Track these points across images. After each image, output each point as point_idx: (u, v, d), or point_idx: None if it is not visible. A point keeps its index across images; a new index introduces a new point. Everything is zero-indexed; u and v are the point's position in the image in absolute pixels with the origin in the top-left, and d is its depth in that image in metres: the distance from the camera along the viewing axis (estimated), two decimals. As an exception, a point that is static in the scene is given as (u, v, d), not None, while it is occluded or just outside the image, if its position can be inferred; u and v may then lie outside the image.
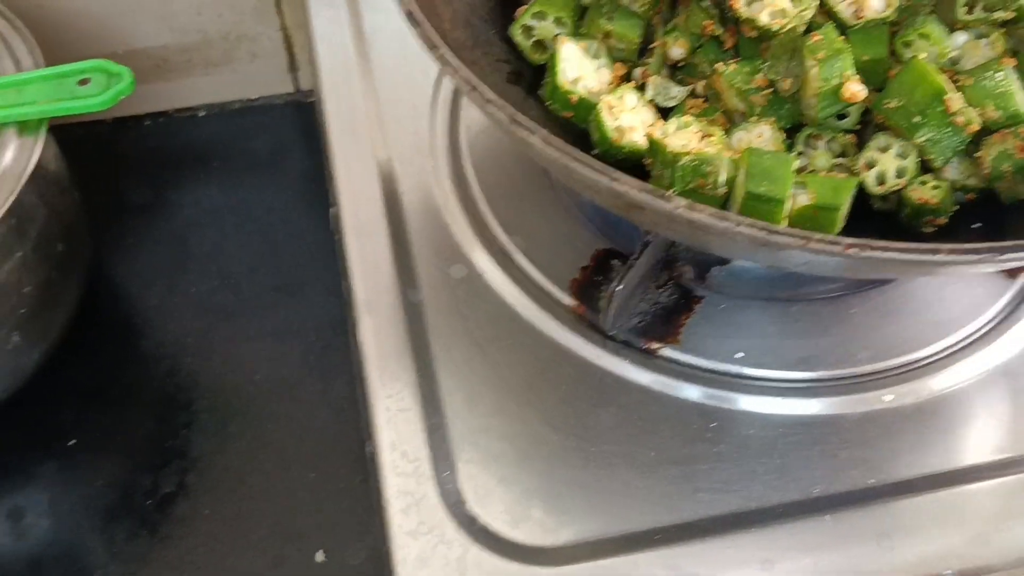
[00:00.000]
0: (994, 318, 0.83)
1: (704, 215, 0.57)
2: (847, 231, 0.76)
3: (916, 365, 0.80)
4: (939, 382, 0.80)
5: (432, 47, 0.64)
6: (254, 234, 1.37)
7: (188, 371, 1.24)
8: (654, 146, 0.74)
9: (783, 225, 0.71)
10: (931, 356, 0.81)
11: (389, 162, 0.93)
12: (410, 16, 0.66)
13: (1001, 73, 0.73)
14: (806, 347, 0.81)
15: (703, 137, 0.73)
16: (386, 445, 0.75)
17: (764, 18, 0.76)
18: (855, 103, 0.74)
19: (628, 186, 0.58)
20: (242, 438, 1.20)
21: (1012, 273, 0.86)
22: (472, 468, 0.75)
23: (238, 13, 1.36)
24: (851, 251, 0.55)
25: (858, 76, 0.74)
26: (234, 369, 1.27)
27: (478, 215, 0.89)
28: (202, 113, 1.48)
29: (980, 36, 0.77)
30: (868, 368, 0.80)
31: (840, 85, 0.73)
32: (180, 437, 1.18)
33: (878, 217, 0.77)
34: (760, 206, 0.71)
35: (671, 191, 0.72)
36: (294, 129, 1.41)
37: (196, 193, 1.41)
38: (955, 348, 0.81)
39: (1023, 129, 0.72)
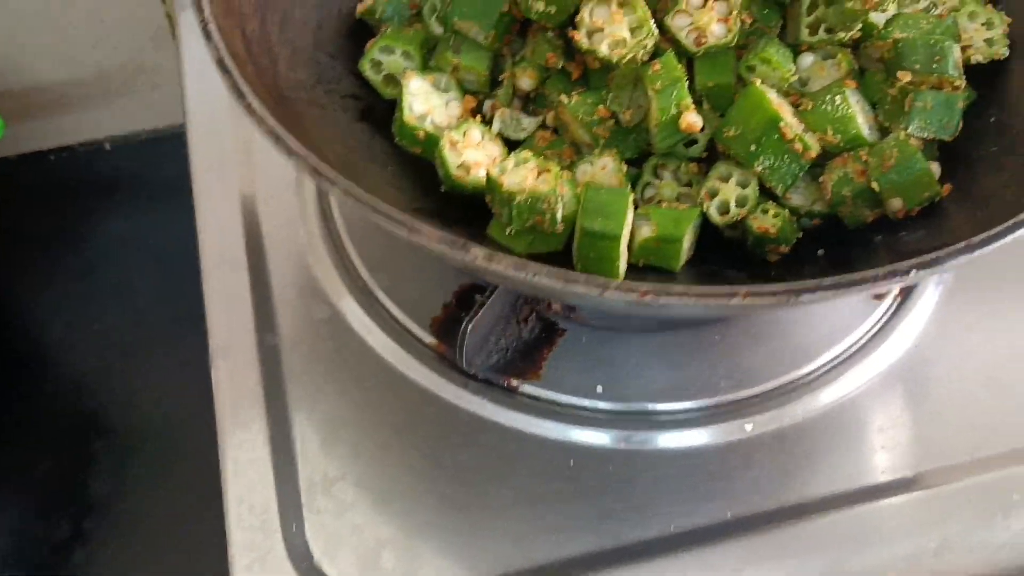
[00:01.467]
0: (855, 343, 0.82)
1: (501, 266, 0.56)
2: (699, 259, 0.75)
3: (776, 393, 0.79)
4: (798, 410, 0.79)
5: (238, 96, 0.63)
6: (159, 266, 1.35)
7: (89, 409, 1.23)
8: (491, 184, 0.73)
9: (622, 261, 0.70)
10: (791, 383, 0.80)
11: (253, 198, 0.92)
12: (220, 64, 0.64)
13: (840, 97, 0.72)
14: (667, 378, 0.80)
15: (540, 173, 0.72)
16: (233, 498, 0.74)
17: (604, 50, 0.74)
18: (692, 133, 0.73)
19: (427, 237, 0.57)
20: (143, 478, 1.19)
21: (878, 295, 0.84)
22: (324, 519, 0.74)
23: (135, 44, 1.34)
24: (647, 297, 0.54)
25: (694, 106, 0.72)
26: (136, 405, 1.26)
27: (343, 254, 0.88)
28: (107, 146, 1.47)
29: (826, 57, 0.76)
30: (729, 397, 0.79)
31: (678, 115, 0.72)
32: (77, 479, 1.16)
33: (732, 244, 0.76)
34: (596, 243, 0.70)
35: (507, 233, 0.72)
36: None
37: (101, 226, 1.40)
38: (816, 375, 0.80)
39: (864, 153, 0.71)
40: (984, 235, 0.56)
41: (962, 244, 0.56)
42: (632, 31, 0.74)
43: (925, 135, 0.72)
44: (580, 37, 0.75)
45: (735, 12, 0.74)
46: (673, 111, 0.72)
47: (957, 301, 0.85)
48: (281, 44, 0.77)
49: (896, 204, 0.70)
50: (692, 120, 0.72)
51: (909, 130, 0.71)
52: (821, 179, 0.73)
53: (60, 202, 1.44)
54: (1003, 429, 0.78)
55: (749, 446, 0.77)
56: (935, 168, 0.72)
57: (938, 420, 0.79)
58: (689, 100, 0.72)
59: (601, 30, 0.75)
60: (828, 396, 0.79)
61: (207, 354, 1.18)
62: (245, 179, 0.93)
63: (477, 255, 0.56)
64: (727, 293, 0.54)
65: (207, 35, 0.65)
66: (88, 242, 1.39)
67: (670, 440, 0.78)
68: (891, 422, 0.79)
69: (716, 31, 0.74)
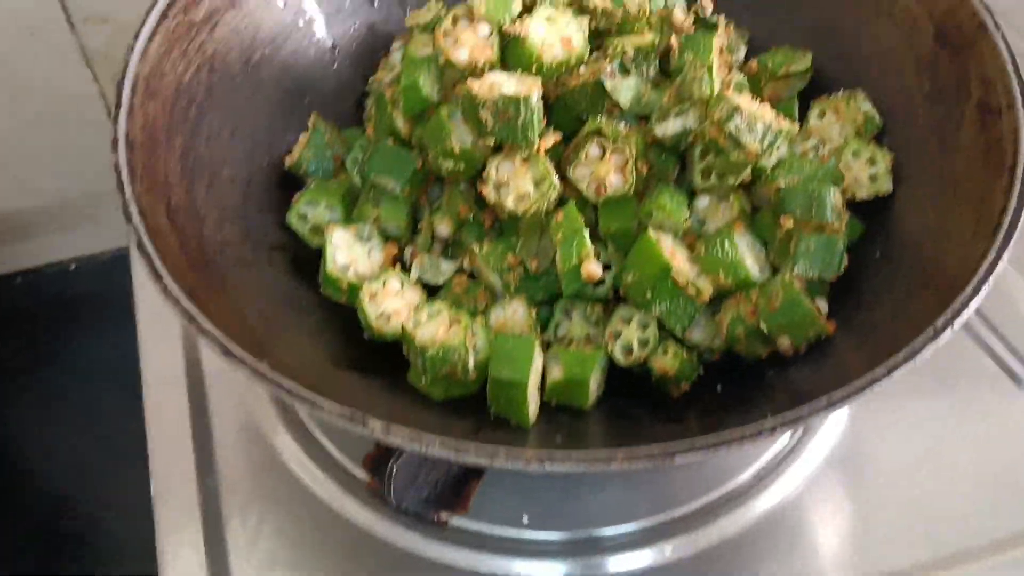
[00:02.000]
0: (765, 467, 0.85)
1: (398, 439, 0.59)
2: (609, 394, 0.78)
3: (692, 516, 0.82)
4: (714, 532, 0.82)
5: (155, 278, 0.67)
6: (126, 386, 1.36)
7: (59, 531, 1.23)
8: (405, 337, 0.77)
9: (531, 406, 0.74)
10: (705, 506, 0.83)
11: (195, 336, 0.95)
12: (139, 247, 0.68)
13: (728, 242, 0.76)
14: (589, 506, 0.83)
15: (451, 324, 0.76)
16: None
17: (510, 203, 0.79)
18: (593, 281, 0.77)
19: (327, 412, 0.61)
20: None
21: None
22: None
23: (97, 173, 1.37)
24: (532, 465, 0.58)
25: (594, 255, 0.77)
26: (106, 526, 1.26)
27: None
28: (73, 266, 1.49)
29: (721, 198, 0.81)
30: (649, 522, 0.82)
31: (580, 264, 0.76)
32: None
33: (639, 378, 0.80)
34: (505, 390, 0.73)
35: (423, 382, 0.75)
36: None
37: (69, 348, 1.41)
38: (728, 497, 0.83)
39: (754, 294, 0.75)
40: (842, 391, 0.60)
41: (823, 400, 0.60)
42: (536, 184, 0.79)
43: (810, 275, 0.76)
44: (488, 191, 0.80)
45: (630, 163, 0.79)
46: (575, 260, 0.76)
47: (871, 408, 0.89)
48: (208, 206, 0.81)
49: (784, 343, 0.74)
50: (592, 269, 0.76)
51: (795, 271, 0.76)
52: (717, 318, 0.77)
53: (29, 325, 1.46)
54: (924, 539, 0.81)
55: (671, 570, 0.80)
56: (822, 304, 0.77)
57: (863, 530, 0.82)
58: (589, 249, 0.76)
59: (507, 184, 0.79)
60: (740, 517, 0.82)
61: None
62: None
63: (375, 427, 0.60)
64: (605, 458, 0.57)
65: (127, 217, 0.70)
66: (56, 365, 1.41)
67: (592, 567, 0.81)
68: (812, 534, 0.82)
69: (614, 181, 0.79)
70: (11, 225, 1.43)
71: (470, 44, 0.81)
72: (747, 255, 0.76)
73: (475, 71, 0.80)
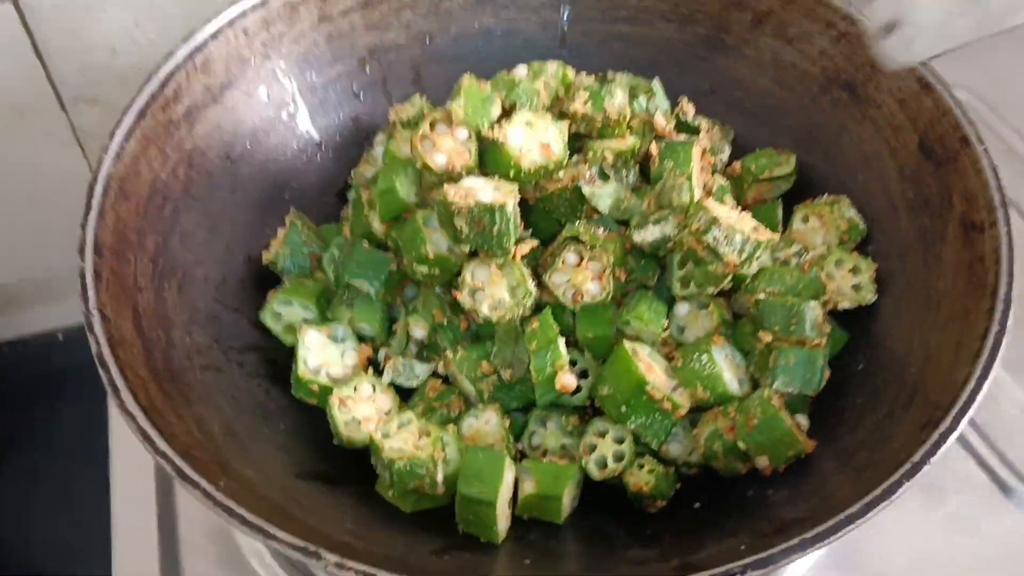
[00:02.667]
0: None
1: (353, 573, 0.57)
2: (583, 509, 0.76)
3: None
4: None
5: (113, 391, 0.66)
6: (101, 473, 1.33)
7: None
8: (373, 449, 0.75)
9: (500, 523, 0.71)
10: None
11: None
12: (98, 358, 0.67)
13: (707, 356, 0.74)
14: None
15: (421, 436, 0.74)
16: None
17: (485, 310, 0.78)
18: (567, 392, 0.75)
19: (281, 544, 0.59)
20: None
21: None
22: None
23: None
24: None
25: (569, 366, 0.75)
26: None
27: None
28: (60, 337, 1.47)
29: (701, 307, 0.79)
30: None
31: (554, 374, 0.75)
32: None
33: (615, 491, 0.77)
34: (473, 508, 0.71)
35: (391, 493, 0.73)
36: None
37: (49, 427, 1.38)
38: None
39: (732, 409, 0.73)
40: (815, 531, 0.58)
41: (795, 540, 0.58)
42: (511, 291, 0.78)
43: (790, 390, 0.74)
44: (463, 297, 0.78)
45: (608, 270, 0.77)
46: (549, 370, 0.75)
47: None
48: (179, 310, 0.80)
49: (763, 462, 0.72)
50: (566, 381, 0.74)
51: (774, 386, 0.74)
52: (695, 431, 0.75)
53: (11, 398, 1.44)
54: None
55: None
56: (803, 420, 0.75)
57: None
58: (564, 360, 0.75)
59: (483, 289, 0.78)
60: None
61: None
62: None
63: (328, 561, 0.58)
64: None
65: (89, 327, 0.68)
66: (35, 443, 1.38)
67: None
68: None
69: (592, 289, 0.78)
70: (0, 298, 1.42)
71: (448, 148, 0.80)
72: (726, 368, 0.75)
73: (452, 176, 0.79)
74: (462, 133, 0.81)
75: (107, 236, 0.75)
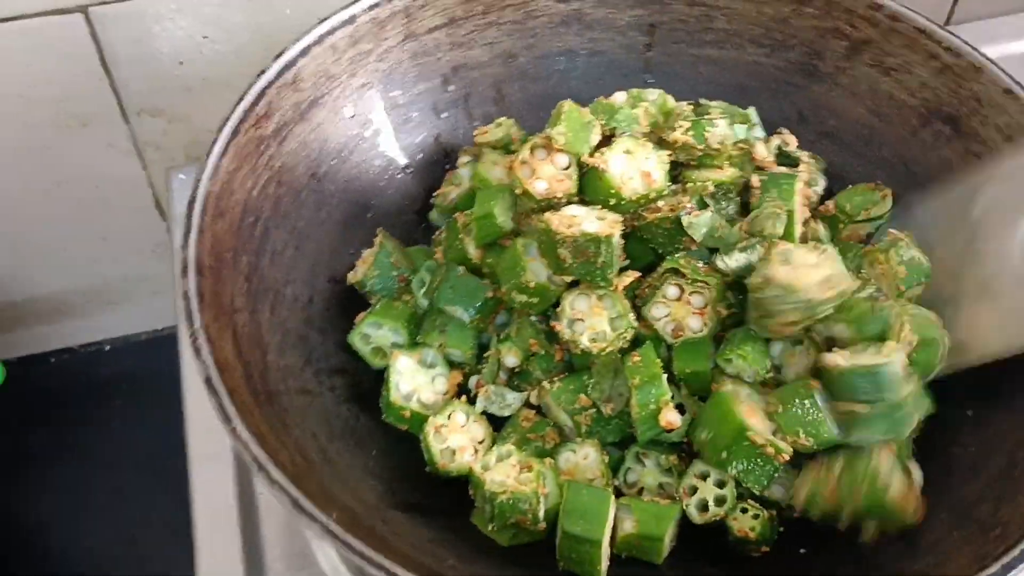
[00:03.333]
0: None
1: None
2: (682, 549, 0.74)
3: None
4: None
5: (224, 420, 0.64)
6: (154, 478, 1.32)
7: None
8: (473, 481, 0.74)
9: (603, 564, 0.70)
10: None
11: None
12: (208, 383, 0.66)
13: (808, 401, 0.72)
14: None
15: (522, 470, 0.73)
16: None
17: (584, 342, 0.76)
18: (671, 430, 0.74)
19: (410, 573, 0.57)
20: None
21: None
22: None
23: (136, 257, 1.36)
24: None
25: (672, 403, 0.73)
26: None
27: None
28: (107, 347, 1.47)
29: (795, 343, 0.77)
30: None
31: (657, 411, 0.73)
32: None
33: (715, 532, 0.76)
34: (577, 546, 0.70)
35: (490, 527, 0.72)
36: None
37: (98, 434, 1.37)
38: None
39: (836, 469, 0.71)
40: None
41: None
42: (611, 322, 0.76)
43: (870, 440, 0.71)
44: (561, 328, 0.77)
45: (710, 306, 0.76)
46: (652, 407, 0.73)
47: None
48: (272, 330, 0.79)
49: (869, 530, 0.70)
50: (671, 419, 0.73)
51: (852, 439, 0.71)
52: (796, 483, 0.73)
53: (58, 408, 1.43)
54: None
55: None
56: (916, 473, 0.71)
57: None
58: (668, 396, 0.73)
59: (582, 320, 0.77)
60: None
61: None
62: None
63: (452, 604, 0.57)
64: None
65: (196, 351, 0.67)
66: (83, 452, 1.37)
67: None
68: None
69: (692, 324, 0.76)
70: (48, 307, 1.41)
71: (548, 175, 0.79)
72: (828, 413, 0.72)
73: (553, 204, 0.78)
74: (562, 160, 0.79)
75: (206, 256, 0.74)
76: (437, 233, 0.90)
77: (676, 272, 0.77)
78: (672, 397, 0.76)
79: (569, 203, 0.79)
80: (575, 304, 0.77)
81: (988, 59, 0.85)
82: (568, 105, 0.82)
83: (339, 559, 0.84)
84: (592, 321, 0.76)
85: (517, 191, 0.79)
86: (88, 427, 1.41)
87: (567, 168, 0.79)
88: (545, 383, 0.78)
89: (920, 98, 0.89)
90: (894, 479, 0.69)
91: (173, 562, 1.24)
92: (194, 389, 0.97)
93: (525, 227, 0.81)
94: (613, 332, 0.76)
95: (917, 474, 0.72)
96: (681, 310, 0.76)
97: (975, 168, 0.84)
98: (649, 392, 0.73)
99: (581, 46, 1.00)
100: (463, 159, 0.96)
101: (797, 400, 0.72)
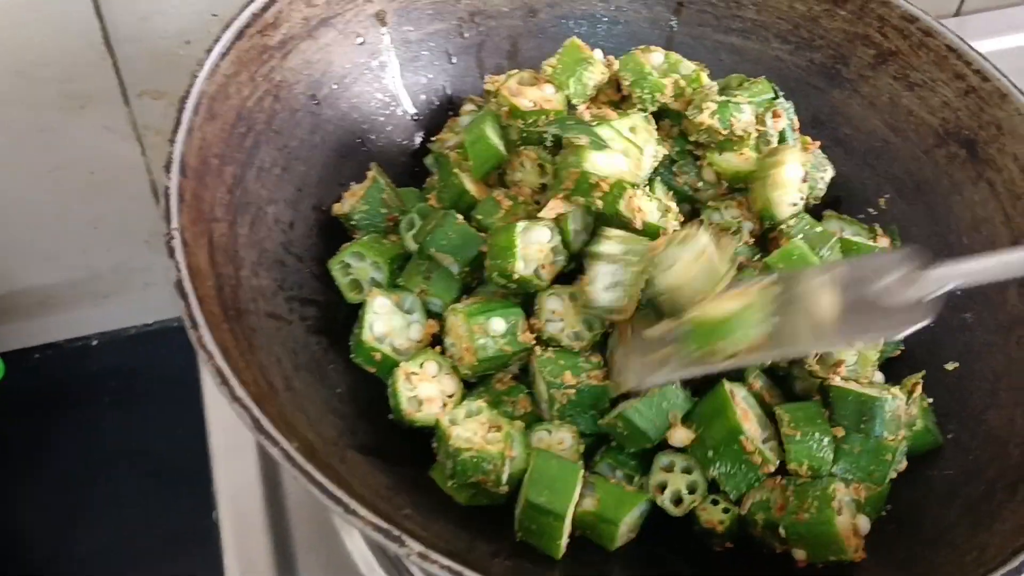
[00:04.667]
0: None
1: (435, 568, 0.53)
2: (642, 538, 0.72)
3: None
4: None
5: (191, 325, 0.60)
6: (150, 476, 1.22)
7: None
8: (439, 433, 0.70)
9: (563, 539, 0.67)
10: None
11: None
12: (177, 286, 0.62)
13: (827, 438, 0.70)
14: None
15: (490, 429, 0.70)
16: None
17: (564, 340, 0.75)
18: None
19: (362, 521, 0.54)
20: None
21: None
22: None
23: (128, 248, 1.28)
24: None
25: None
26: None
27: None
28: (95, 342, 1.37)
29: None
30: None
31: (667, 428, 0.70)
32: None
33: (678, 523, 0.73)
34: (540, 517, 0.67)
35: (450, 483, 0.69)
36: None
37: (88, 431, 1.26)
38: None
39: (791, 490, 0.69)
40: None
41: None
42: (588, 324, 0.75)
43: (848, 477, 0.70)
44: (541, 325, 0.75)
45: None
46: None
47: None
48: (248, 247, 0.74)
49: (800, 554, 0.68)
50: (681, 436, 0.70)
51: (833, 470, 0.70)
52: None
53: (44, 404, 1.32)
54: None
55: None
56: (863, 523, 0.69)
57: None
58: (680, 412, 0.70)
59: (561, 320, 0.75)
60: None
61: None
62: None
63: (412, 549, 0.53)
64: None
65: (170, 251, 0.63)
66: (71, 450, 1.27)
67: None
68: None
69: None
70: (35, 300, 1.32)
71: (534, 96, 0.79)
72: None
73: (540, 130, 0.77)
74: (549, 90, 0.78)
75: (192, 157, 0.70)
76: (430, 178, 0.86)
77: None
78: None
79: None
80: (549, 304, 0.75)
81: (1016, 87, 0.83)
82: (573, 41, 0.81)
83: (370, 552, 0.80)
84: (569, 319, 0.75)
85: (503, 110, 0.77)
86: (75, 426, 1.31)
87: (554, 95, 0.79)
88: (537, 348, 0.74)
89: (940, 117, 0.87)
90: (846, 509, 0.67)
91: (172, 565, 1.17)
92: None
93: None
94: (590, 332, 0.74)
95: (864, 525, 0.69)
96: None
97: (983, 194, 0.83)
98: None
99: (604, 12, 0.97)
100: (467, 107, 0.92)
101: (817, 435, 0.70)
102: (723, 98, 0.80)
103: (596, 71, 0.83)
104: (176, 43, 1.05)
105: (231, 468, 0.86)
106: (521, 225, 0.74)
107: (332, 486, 0.55)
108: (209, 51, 0.75)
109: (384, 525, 0.54)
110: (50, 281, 1.26)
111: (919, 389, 0.74)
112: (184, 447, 0.97)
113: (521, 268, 0.73)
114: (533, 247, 0.74)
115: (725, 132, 0.78)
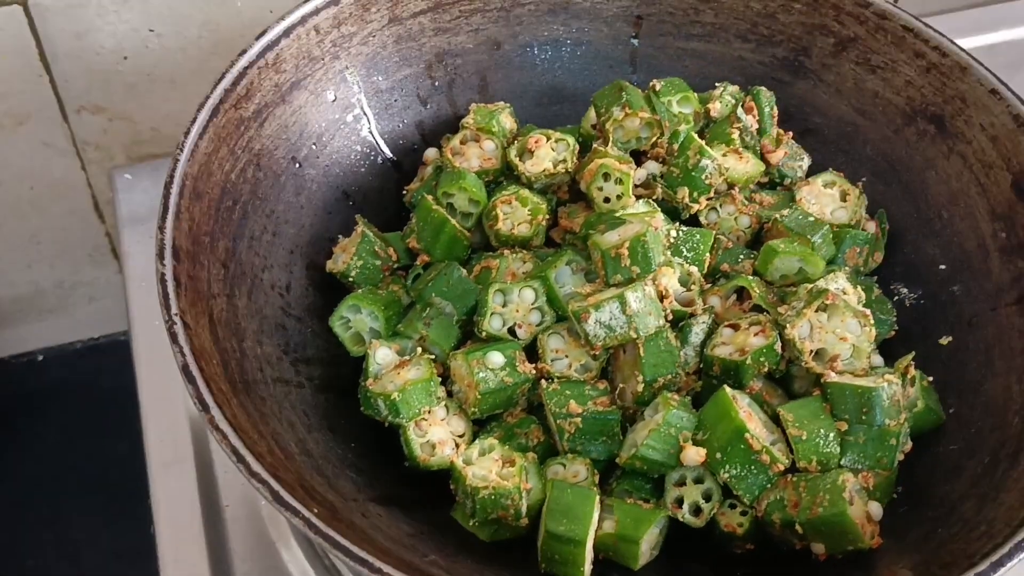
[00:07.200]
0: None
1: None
2: (664, 549, 0.73)
3: None
4: None
5: (202, 407, 0.62)
6: (96, 492, 1.23)
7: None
8: (455, 474, 0.72)
9: (587, 565, 0.69)
10: None
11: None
12: (184, 371, 0.64)
13: (832, 433, 0.71)
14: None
15: (504, 464, 0.72)
16: None
17: (574, 375, 0.77)
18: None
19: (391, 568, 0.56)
20: None
21: None
22: None
23: (72, 263, 1.30)
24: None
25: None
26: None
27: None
28: (40, 357, 1.38)
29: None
30: None
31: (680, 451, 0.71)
32: None
33: (698, 535, 0.74)
34: (561, 546, 0.68)
35: (472, 522, 0.71)
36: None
37: (33, 449, 1.27)
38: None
39: (803, 484, 0.70)
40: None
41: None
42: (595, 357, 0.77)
43: (858, 467, 0.71)
44: (549, 367, 0.77)
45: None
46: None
47: None
48: (248, 317, 0.77)
49: (818, 548, 0.69)
50: (693, 456, 0.71)
51: (841, 462, 0.71)
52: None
53: None
54: None
55: None
56: (875, 510, 0.70)
57: None
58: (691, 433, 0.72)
59: (565, 356, 0.77)
60: None
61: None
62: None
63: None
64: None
65: (172, 337, 0.65)
66: (18, 468, 1.28)
67: None
68: None
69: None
70: None
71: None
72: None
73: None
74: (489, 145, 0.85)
75: (183, 239, 0.72)
76: (409, 223, 0.88)
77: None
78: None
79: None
80: (551, 344, 0.78)
81: (974, 59, 0.85)
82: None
83: (310, 567, 0.82)
84: (573, 354, 0.77)
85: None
86: (21, 443, 1.32)
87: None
88: (544, 381, 0.76)
89: (905, 97, 0.89)
90: (857, 498, 0.69)
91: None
92: (151, 393, 0.94)
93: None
94: (596, 361, 0.76)
95: (876, 512, 0.70)
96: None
97: (956, 167, 0.85)
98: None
99: (567, 36, 0.99)
100: (430, 153, 0.94)
101: (822, 431, 0.71)
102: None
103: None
104: (114, 59, 1.06)
105: (168, 482, 0.88)
106: (495, 286, 0.77)
107: (355, 548, 0.57)
108: (187, 133, 0.77)
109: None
110: (-7, 298, 1.26)
111: (912, 370, 0.75)
112: (127, 461, 0.98)
113: (495, 327, 0.77)
114: (511, 306, 0.77)
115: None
